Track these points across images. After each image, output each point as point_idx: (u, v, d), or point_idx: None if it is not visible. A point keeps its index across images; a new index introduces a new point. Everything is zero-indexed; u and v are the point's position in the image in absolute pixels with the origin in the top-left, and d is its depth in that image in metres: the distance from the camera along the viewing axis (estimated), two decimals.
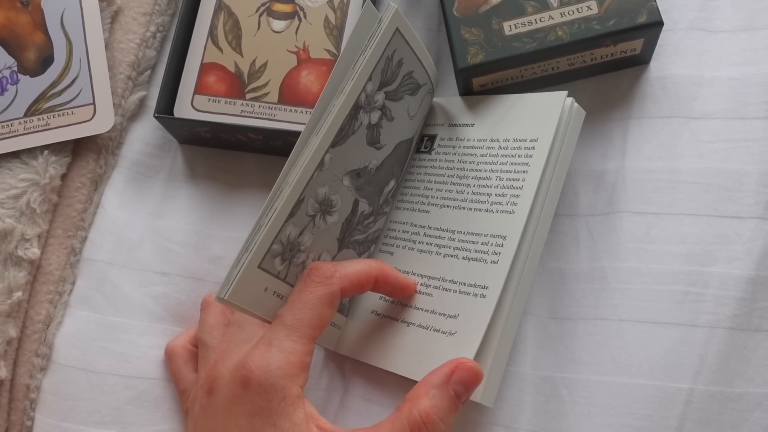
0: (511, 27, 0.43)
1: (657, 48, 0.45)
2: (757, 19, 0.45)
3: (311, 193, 0.37)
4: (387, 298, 0.41)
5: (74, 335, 0.45)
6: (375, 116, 0.39)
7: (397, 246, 0.43)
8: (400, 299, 0.41)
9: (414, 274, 0.41)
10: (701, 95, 0.43)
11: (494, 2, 0.44)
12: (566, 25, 0.42)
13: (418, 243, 0.42)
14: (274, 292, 0.36)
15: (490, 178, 0.41)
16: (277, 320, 0.35)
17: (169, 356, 0.44)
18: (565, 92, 0.40)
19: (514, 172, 0.40)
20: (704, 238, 0.40)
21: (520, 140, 0.41)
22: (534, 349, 0.41)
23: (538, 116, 0.41)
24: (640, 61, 0.45)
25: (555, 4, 0.43)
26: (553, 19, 0.42)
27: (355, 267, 0.37)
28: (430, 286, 0.40)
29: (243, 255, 0.35)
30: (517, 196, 0.39)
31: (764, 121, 0.42)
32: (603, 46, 0.42)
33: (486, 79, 0.44)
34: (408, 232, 0.43)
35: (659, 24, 0.41)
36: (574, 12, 0.42)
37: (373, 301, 0.42)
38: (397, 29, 0.38)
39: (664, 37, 0.45)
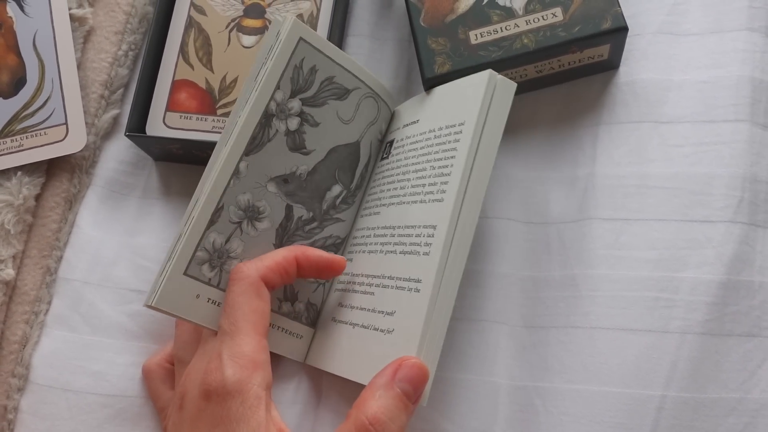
0: (477, 36, 0.43)
1: (626, 53, 0.45)
2: (725, 22, 0.45)
3: (231, 201, 0.38)
4: (343, 302, 0.41)
5: (51, 355, 0.45)
6: (293, 123, 0.40)
7: (354, 251, 0.42)
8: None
9: (363, 275, 0.40)
10: (670, 99, 0.43)
11: (460, 12, 0.44)
12: (532, 32, 0.42)
13: (369, 245, 0.41)
14: (209, 299, 0.37)
15: (425, 169, 0.40)
16: (219, 330, 0.36)
17: (146, 375, 0.44)
18: (489, 70, 0.39)
19: (444, 159, 0.39)
20: (674, 243, 0.40)
21: (450, 126, 0.40)
22: (507, 359, 0.41)
23: (465, 99, 0.40)
24: (609, 66, 0.45)
25: (520, 12, 0.43)
26: (518, 27, 0.42)
27: (273, 254, 0.38)
28: (372, 284, 0.39)
29: (167, 263, 0.36)
30: (446, 183, 0.38)
31: (733, 123, 0.42)
32: (569, 53, 0.42)
33: None
34: (363, 236, 0.42)
35: (624, 29, 0.41)
36: (539, 19, 0.42)
37: (332, 307, 0.42)
38: (302, 38, 0.39)
39: (633, 42, 0.45)
